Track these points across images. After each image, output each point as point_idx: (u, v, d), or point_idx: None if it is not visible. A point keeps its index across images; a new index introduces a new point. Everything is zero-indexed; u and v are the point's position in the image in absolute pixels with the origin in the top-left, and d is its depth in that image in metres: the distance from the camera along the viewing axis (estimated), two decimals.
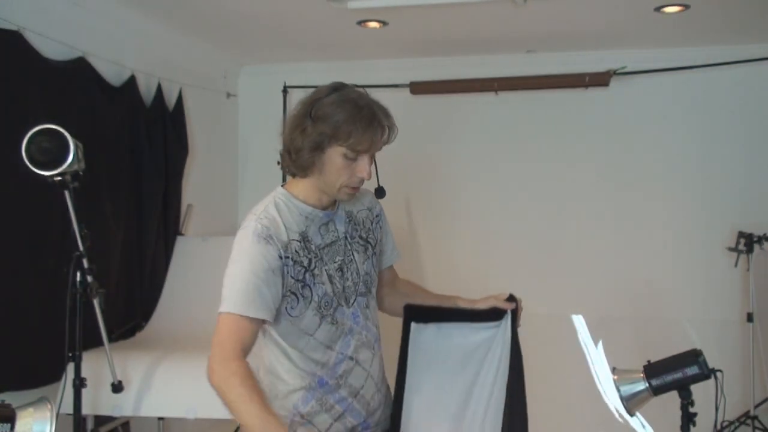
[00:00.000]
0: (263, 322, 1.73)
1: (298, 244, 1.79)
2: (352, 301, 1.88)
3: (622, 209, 4.66)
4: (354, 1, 3.52)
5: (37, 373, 2.92)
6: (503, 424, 1.89)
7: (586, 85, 4.53)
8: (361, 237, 1.94)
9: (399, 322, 2.10)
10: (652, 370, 2.05)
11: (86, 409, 2.74)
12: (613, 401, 2.12)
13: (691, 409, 2.01)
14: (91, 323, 2.64)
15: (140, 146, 3.78)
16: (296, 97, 5.03)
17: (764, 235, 4.04)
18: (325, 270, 1.83)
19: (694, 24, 3.93)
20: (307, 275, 1.79)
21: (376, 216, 2.02)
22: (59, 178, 2.54)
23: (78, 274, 2.56)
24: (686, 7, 3.62)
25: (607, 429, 4.09)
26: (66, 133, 2.50)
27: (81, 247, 2.58)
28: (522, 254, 4.71)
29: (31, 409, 1.58)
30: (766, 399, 4.14)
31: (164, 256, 4.02)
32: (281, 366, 1.84)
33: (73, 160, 2.52)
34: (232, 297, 1.69)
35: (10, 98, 2.86)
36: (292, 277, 1.76)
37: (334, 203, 1.90)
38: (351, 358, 1.86)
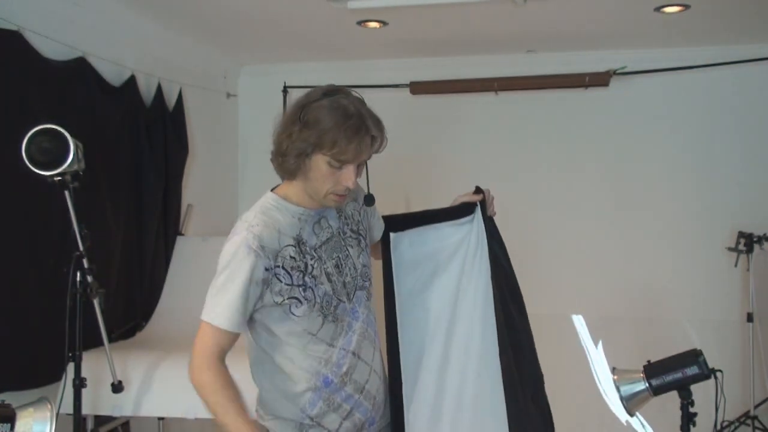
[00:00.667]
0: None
1: (293, 249, 1.79)
2: (352, 296, 1.88)
3: (622, 209, 4.66)
4: (354, 1, 3.51)
5: (37, 373, 2.91)
6: (497, 317, 1.96)
7: (586, 85, 4.53)
8: (352, 231, 1.95)
9: None
10: (652, 370, 2.05)
11: (86, 409, 2.74)
12: (613, 401, 2.13)
13: (691, 409, 2.02)
14: (91, 323, 2.64)
15: (140, 146, 3.78)
16: (296, 98, 5.09)
17: (764, 235, 4.04)
18: (324, 269, 1.83)
19: (694, 24, 3.92)
20: (306, 278, 1.79)
21: (361, 205, 2.01)
22: (59, 178, 2.53)
23: (78, 274, 2.56)
24: (686, 7, 3.61)
25: (608, 429, 4.09)
26: (66, 133, 2.50)
27: (81, 247, 2.57)
28: (522, 254, 4.70)
29: (31, 409, 1.58)
30: (766, 399, 4.14)
31: (164, 256, 4.01)
32: (288, 366, 1.84)
33: (73, 160, 2.51)
34: (215, 308, 1.75)
35: (10, 98, 2.86)
36: (288, 284, 1.77)
37: None
38: (353, 354, 1.86)
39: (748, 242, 4.04)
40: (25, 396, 2.55)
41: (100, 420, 3.13)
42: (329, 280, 1.83)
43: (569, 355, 4.49)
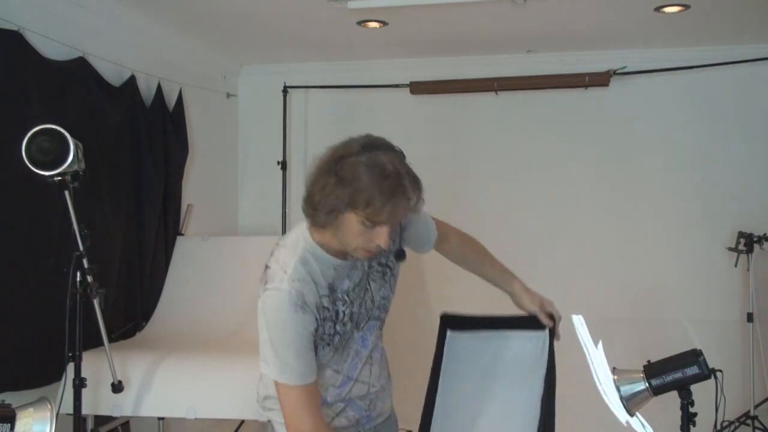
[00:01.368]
0: None
1: (327, 298, 1.75)
2: (362, 325, 1.86)
3: (622, 209, 4.66)
4: (354, 1, 3.52)
5: (37, 373, 2.91)
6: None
7: (586, 85, 4.53)
8: (380, 264, 1.88)
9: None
10: (652, 370, 2.05)
11: (86, 409, 2.75)
12: (613, 401, 2.13)
13: (691, 409, 2.01)
14: (91, 323, 2.64)
15: (140, 146, 3.78)
16: (296, 98, 5.09)
17: (764, 235, 4.04)
18: (351, 311, 1.81)
19: (694, 24, 3.93)
20: (338, 326, 1.78)
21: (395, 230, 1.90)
22: (59, 178, 2.54)
23: (78, 274, 2.56)
24: (686, 7, 3.62)
25: (608, 429, 4.08)
26: (66, 133, 2.50)
27: (81, 247, 2.58)
28: (522, 254, 4.69)
29: (31, 409, 1.58)
30: (766, 399, 4.13)
31: (164, 256, 4.02)
32: None
33: (73, 160, 2.52)
34: (293, 370, 1.70)
35: (10, 98, 2.86)
36: (321, 333, 1.75)
37: None
38: (357, 380, 1.88)
39: (748, 242, 4.04)
40: (25, 396, 2.56)
41: (100, 420, 3.13)
42: (351, 320, 1.82)
43: (569, 355, 4.47)
